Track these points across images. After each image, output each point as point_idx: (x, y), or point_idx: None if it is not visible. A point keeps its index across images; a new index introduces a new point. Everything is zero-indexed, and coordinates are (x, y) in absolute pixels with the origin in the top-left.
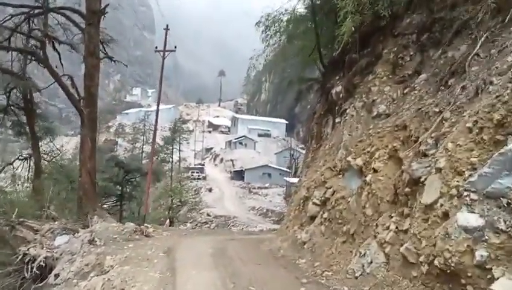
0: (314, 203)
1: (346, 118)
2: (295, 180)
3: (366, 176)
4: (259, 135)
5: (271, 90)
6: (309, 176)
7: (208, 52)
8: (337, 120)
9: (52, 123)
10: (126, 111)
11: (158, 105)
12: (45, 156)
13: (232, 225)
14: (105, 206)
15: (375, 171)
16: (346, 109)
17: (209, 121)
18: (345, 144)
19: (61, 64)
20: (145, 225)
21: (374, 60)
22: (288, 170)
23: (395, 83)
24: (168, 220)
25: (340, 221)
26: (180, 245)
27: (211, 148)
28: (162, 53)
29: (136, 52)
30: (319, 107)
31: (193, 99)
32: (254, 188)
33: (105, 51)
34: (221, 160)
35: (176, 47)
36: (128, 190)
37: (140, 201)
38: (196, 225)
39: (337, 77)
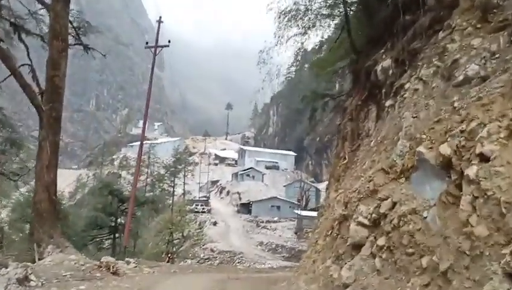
0: (359, 224)
1: (405, 96)
2: (308, 213)
3: (461, 172)
4: (267, 167)
5: (279, 123)
6: (345, 187)
7: (216, 88)
8: (388, 103)
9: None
10: (131, 144)
11: (145, 116)
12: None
13: (238, 262)
14: (97, 239)
15: (484, 159)
16: (403, 85)
17: (215, 154)
18: (409, 131)
19: (29, 59)
20: (110, 259)
21: (444, 13)
22: (298, 203)
23: (491, 32)
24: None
25: (411, 250)
26: (157, 288)
27: (217, 181)
28: (154, 61)
29: (145, 87)
30: (353, 99)
31: (200, 133)
32: (262, 222)
33: (79, 37)
34: (228, 193)
35: (169, 41)
36: (123, 221)
37: (136, 234)
38: (198, 261)
39: (381, 51)
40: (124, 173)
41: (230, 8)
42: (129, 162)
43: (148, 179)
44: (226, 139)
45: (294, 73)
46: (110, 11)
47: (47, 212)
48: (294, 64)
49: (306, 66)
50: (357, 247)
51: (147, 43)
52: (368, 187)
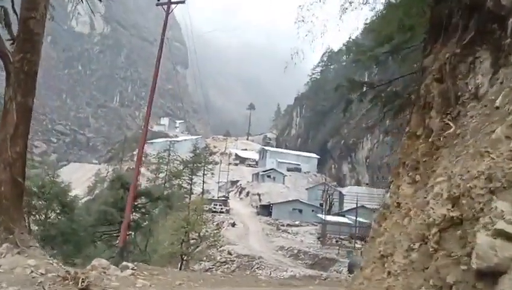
0: (499, 235)
1: None
2: (332, 218)
3: None
4: (289, 169)
5: (302, 125)
6: (448, 173)
7: (239, 89)
8: None
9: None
10: (152, 141)
11: (152, 96)
12: None
13: (257, 267)
14: (106, 236)
15: None
16: None
17: (236, 154)
18: None
19: (14, 10)
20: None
21: None
22: (321, 207)
23: None
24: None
25: None
26: None
27: (237, 181)
28: (167, 21)
29: (168, 85)
30: (439, 53)
31: (222, 133)
32: (283, 225)
33: None
34: (247, 193)
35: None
36: (135, 217)
37: (148, 232)
38: (214, 264)
39: None
40: (143, 170)
41: (254, 9)
42: (149, 158)
43: (167, 177)
44: (247, 139)
45: (319, 74)
46: (136, 8)
47: (8, 199)
48: (320, 64)
49: (332, 67)
50: (491, 275)
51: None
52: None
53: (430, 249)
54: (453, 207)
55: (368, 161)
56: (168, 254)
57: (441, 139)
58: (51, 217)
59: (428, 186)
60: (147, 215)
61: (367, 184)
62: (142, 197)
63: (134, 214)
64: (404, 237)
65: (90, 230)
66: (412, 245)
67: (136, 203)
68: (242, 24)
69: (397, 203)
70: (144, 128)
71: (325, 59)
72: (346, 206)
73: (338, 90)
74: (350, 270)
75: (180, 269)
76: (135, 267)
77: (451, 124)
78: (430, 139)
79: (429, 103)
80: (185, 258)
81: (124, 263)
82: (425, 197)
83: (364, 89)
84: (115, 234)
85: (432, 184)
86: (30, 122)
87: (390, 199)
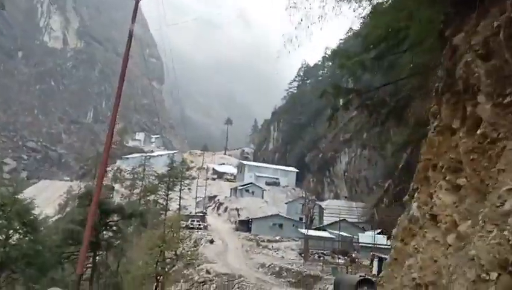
0: None
1: None
2: (315, 232)
3: None
4: (267, 184)
5: (279, 139)
6: None
7: (216, 105)
8: None
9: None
10: (127, 156)
11: (118, 101)
12: None
13: (238, 287)
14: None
15: None
16: None
17: (213, 168)
18: None
19: None
20: None
21: None
22: (302, 221)
23: None
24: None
25: None
26: None
27: (215, 196)
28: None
29: (143, 101)
30: (476, 25)
31: (199, 148)
32: (263, 241)
33: None
34: (226, 209)
35: None
36: (105, 236)
37: (121, 252)
38: (192, 285)
39: None
40: (117, 186)
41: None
42: (123, 174)
43: (142, 192)
44: (224, 154)
45: (296, 88)
46: (112, 23)
47: None
48: (297, 78)
49: (308, 81)
50: None
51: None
52: None
53: None
54: None
55: (345, 174)
56: (141, 275)
57: (498, 129)
58: (13, 238)
59: (492, 192)
60: (119, 234)
61: (346, 197)
62: (114, 215)
63: (105, 232)
64: (461, 261)
65: (56, 251)
66: (483, 275)
67: (107, 221)
68: (219, 41)
69: (431, 215)
70: (108, 136)
71: (301, 74)
72: (326, 220)
73: (323, 97)
74: (336, 289)
75: None
76: None
77: (495, 117)
78: (478, 131)
79: (473, 87)
80: (160, 279)
81: None
82: (500, 206)
83: (351, 96)
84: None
85: (503, 188)
86: None
87: (418, 211)
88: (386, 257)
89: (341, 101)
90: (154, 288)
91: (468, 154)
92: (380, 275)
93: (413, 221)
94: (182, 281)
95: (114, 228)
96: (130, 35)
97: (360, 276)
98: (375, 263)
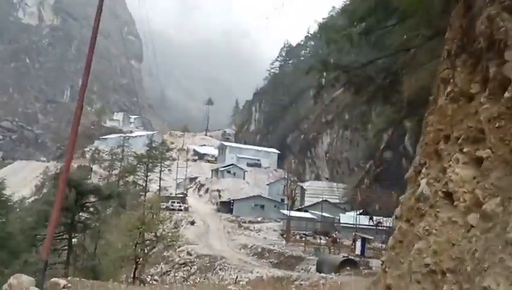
0: None
1: None
2: (297, 213)
3: None
4: (249, 165)
5: (261, 120)
6: None
7: (196, 86)
8: None
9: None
10: (105, 136)
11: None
12: None
13: (220, 269)
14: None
15: None
16: None
17: (194, 150)
18: None
19: None
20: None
21: None
22: (284, 202)
23: None
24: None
25: None
26: None
27: (196, 178)
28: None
29: (122, 80)
30: None
31: (179, 129)
32: (244, 222)
33: None
34: (207, 190)
35: None
36: (82, 218)
37: (98, 234)
38: (173, 267)
39: None
40: (95, 167)
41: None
42: (101, 155)
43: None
44: (205, 135)
45: (278, 68)
46: (88, 0)
47: None
48: (279, 59)
49: (291, 62)
50: None
51: None
52: None
53: None
54: None
55: (327, 155)
56: (120, 257)
57: None
58: None
59: None
60: (96, 216)
61: (327, 179)
62: (91, 196)
63: (81, 214)
64: (492, 246)
65: (30, 233)
66: None
67: (83, 202)
68: (200, 21)
69: (444, 193)
70: (77, 110)
71: (283, 54)
72: (308, 201)
73: (309, 73)
74: (319, 269)
75: (134, 274)
76: (68, 285)
77: None
78: (506, 94)
79: (498, 43)
80: (139, 262)
81: (54, 279)
82: None
83: (338, 72)
84: (59, 237)
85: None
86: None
87: (428, 188)
88: (369, 237)
89: (324, 81)
90: (133, 270)
91: (492, 122)
92: (382, 259)
93: (422, 199)
94: (162, 263)
95: (91, 209)
96: (100, 6)
97: (343, 256)
98: (358, 243)
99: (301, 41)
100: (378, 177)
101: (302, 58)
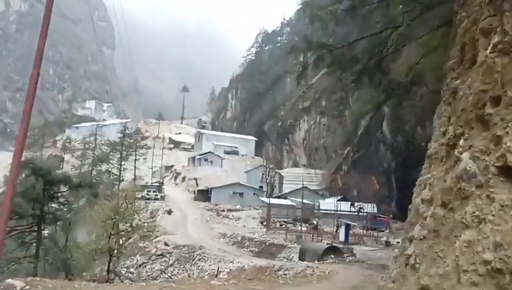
0: None
1: None
2: (277, 201)
3: None
4: (226, 153)
5: (238, 107)
6: None
7: (171, 73)
8: None
9: None
10: (76, 125)
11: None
12: None
13: (199, 259)
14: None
15: None
16: None
17: (170, 138)
18: None
19: None
20: None
21: None
22: (262, 190)
23: None
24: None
25: None
26: None
27: (172, 166)
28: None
29: (94, 68)
30: None
31: (154, 117)
32: (223, 211)
33: None
34: (183, 179)
35: None
36: (52, 209)
37: (69, 225)
38: (149, 258)
39: None
40: (67, 157)
41: None
42: (74, 144)
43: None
44: (181, 123)
45: (254, 55)
46: None
47: None
48: (255, 45)
49: (267, 48)
50: None
51: None
52: None
53: None
54: None
55: (305, 142)
56: (93, 250)
57: None
58: None
59: None
60: (67, 206)
61: (305, 165)
62: (60, 185)
63: (51, 205)
64: None
65: None
66: None
67: (52, 192)
68: (172, 6)
69: (500, 168)
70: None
71: (259, 40)
72: (286, 187)
73: (292, 53)
74: (302, 257)
75: (108, 267)
76: (26, 287)
77: None
78: None
79: None
80: (114, 254)
81: (9, 280)
82: None
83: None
84: (27, 229)
85: None
86: None
87: (475, 163)
88: (353, 223)
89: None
90: (107, 263)
91: None
92: (407, 252)
93: (465, 178)
94: (138, 254)
95: (61, 199)
96: None
97: (327, 244)
98: (342, 229)
99: (277, 27)
100: (356, 163)
101: (279, 44)
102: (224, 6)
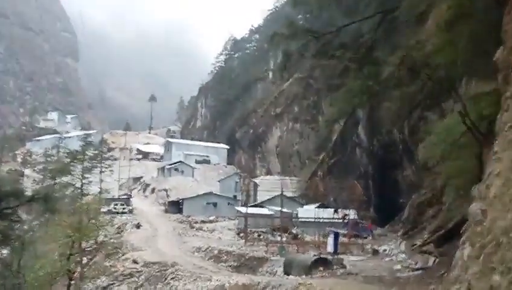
0: None
1: None
2: (254, 210)
3: None
4: (197, 162)
5: (208, 115)
6: None
7: (137, 84)
8: None
9: None
10: (38, 138)
11: None
12: None
13: (172, 278)
14: None
15: None
16: None
17: (137, 148)
18: None
19: None
20: None
21: None
22: (236, 199)
23: None
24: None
25: None
26: None
27: (140, 178)
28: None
29: (57, 79)
30: None
31: (121, 128)
32: (196, 222)
33: None
34: (153, 190)
35: None
36: (1, 227)
37: (22, 245)
38: (116, 279)
39: None
40: (28, 171)
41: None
42: (35, 158)
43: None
44: (149, 133)
45: (223, 62)
46: None
47: None
48: (224, 53)
49: (236, 55)
50: None
51: None
52: None
53: None
54: None
55: (278, 149)
56: (48, 273)
57: None
58: None
59: None
60: (18, 224)
61: (279, 173)
62: (9, 200)
63: None
64: None
65: None
66: None
67: (1, 208)
68: (139, 18)
69: None
70: None
71: (228, 47)
72: (261, 195)
73: (273, 41)
74: (287, 271)
75: None
76: None
77: None
78: None
79: None
80: (74, 276)
81: None
82: None
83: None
84: None
85: None
86: None
87: None
88: (342, 231)
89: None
90: (67, 287)
91: None
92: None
93: None
94: (103, 275)
95: (12, 217)
96: None
97: (314, 255)
98: (330, 239)
99: (246, 34)
100: (332, 169)
101: (248, 51)
102: (192, 16)
